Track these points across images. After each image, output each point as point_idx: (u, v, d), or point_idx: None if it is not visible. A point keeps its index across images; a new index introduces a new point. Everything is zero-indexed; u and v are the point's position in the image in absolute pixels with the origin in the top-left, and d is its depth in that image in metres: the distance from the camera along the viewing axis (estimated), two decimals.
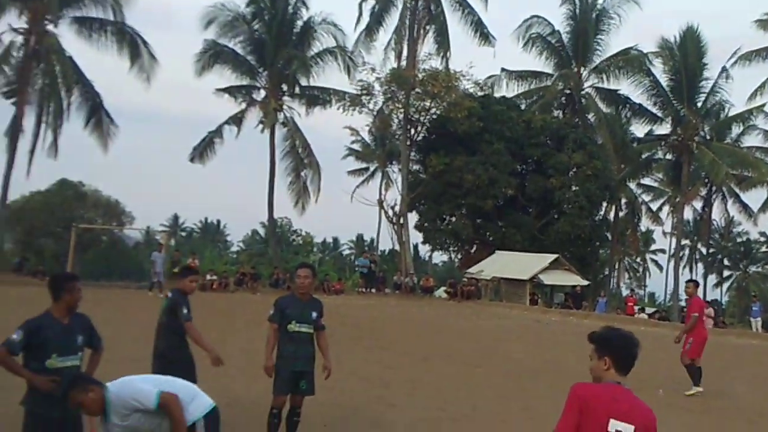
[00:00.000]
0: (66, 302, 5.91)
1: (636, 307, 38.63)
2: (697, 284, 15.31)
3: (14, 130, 35.98)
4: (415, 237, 47.38)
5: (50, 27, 36.84)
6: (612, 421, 3.81)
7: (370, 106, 43.29)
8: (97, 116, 38.49)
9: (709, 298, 53.40)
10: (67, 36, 37.61)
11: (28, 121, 36.96)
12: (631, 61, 46.33)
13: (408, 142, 44.01)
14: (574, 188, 43.22)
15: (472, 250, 46.14)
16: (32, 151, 36.96)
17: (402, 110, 42.88)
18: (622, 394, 3.91)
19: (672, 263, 51.61)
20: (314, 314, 8.20)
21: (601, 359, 4.01)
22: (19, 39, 36.45)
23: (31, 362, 5.73)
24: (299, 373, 8.09)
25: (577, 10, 47.16)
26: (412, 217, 45.78)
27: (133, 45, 37.93)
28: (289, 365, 8.00)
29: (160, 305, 8.81)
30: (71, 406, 5.37)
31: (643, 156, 48.67)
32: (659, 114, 46.88)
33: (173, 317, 8.21)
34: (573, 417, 3.85)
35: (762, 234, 64.63)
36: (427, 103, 42.41)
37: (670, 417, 10.58)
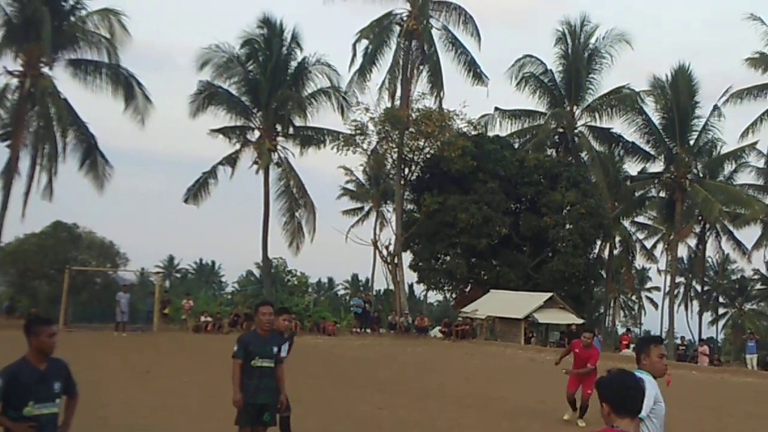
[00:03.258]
0: (35, 347, 5.67)
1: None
2: (594, 334, 15.70)
3: (9, 173, 36.07)
4: (410, 276, 47.16)
5: (45, 69, 37.05)
6: None
7: (364, 145, 43.41)
8: (92, 158, 38.57)
9: (704, 336, 53.34)
10: (62, 78, 37.84)
11: (23, 164, 37.14)
12: (623, 100, 46.49)
13: (402, 182, 44.05)
14: (567, 227, 43.10)
15: (467, 290, 45.94)
16: (27, 194, 37.08)
17: (396, 150, 42.90)
18: None
19: (667, 301, 51.58)
20: (275, 349, 8.57)
21: (602, 404, 3.89)
22: (14, 82, 36.71)
23: (8, 409, 5.52)
24: (262, 406, 8.47)
25: (570, 50, 47.35)
26: (407, 257, 45.54)
27: (127, 87, 38.16)
28: (251, 398, 8.32)
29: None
30: None
31: (637, 194, 48.71)
32: (652, 152, 46.90)
33: None
34: None
35: (756, 271, 64.25)
36: (421, 143, 42.49)
37: None
